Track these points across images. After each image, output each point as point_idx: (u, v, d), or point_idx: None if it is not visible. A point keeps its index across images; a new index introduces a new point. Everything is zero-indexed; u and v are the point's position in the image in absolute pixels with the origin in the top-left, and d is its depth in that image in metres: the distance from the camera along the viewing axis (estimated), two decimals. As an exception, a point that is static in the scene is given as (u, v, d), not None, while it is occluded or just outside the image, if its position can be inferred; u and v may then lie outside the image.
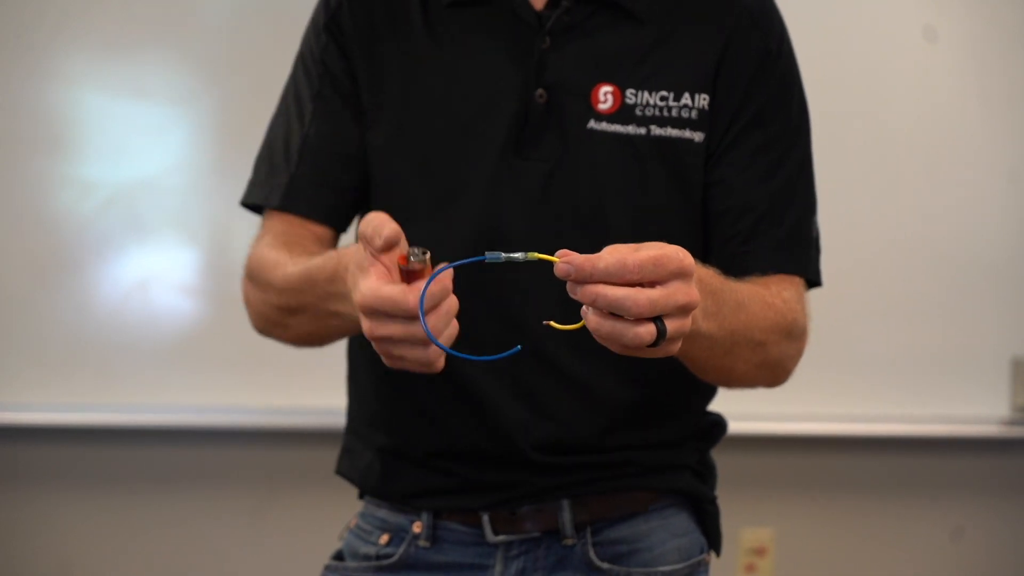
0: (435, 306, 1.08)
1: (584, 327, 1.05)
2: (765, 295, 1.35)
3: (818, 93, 2.68)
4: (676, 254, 1.02)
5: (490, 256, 1.04)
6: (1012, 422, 2.79)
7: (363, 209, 1.52)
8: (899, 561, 2.89)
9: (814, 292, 1.49)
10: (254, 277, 1.46)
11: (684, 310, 1.04)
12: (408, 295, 1.06)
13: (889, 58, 2.78)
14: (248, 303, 1.49)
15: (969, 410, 2.79)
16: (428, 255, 1.08)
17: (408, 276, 1.09)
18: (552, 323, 1.07)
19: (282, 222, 1.48)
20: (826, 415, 2.76)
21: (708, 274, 1.22)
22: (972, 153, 2.78)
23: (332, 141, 1.48)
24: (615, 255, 1.01)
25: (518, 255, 1.04)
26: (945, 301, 2.78)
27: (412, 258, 1.08)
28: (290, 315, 1.41)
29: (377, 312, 1.08)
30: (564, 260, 1.01)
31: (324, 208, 1.48)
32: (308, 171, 1.48)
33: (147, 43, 2.62)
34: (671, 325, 1.04)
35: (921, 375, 2.78)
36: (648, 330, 1.02)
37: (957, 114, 2.78)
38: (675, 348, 1.07)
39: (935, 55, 2.77)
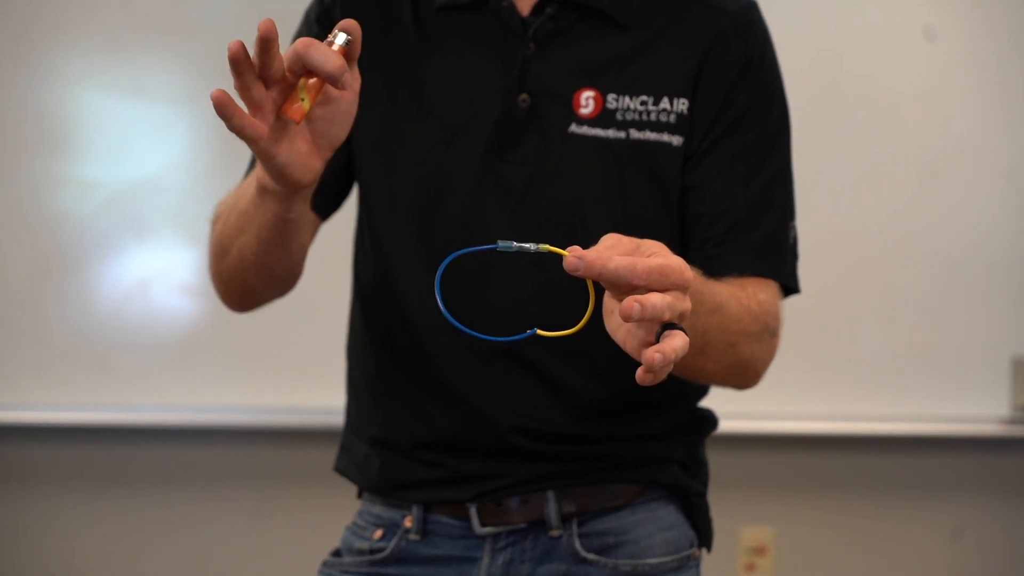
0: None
1: (572, 333, 1.05)
2: (741, 297, 1.36)
3: (817, 93, 2.70)
4: (678, 265, 1.03)
5: (502, 245, 1.04)
6: (1012, 421, 2.79)
7: (344, 198, 1.54)
8: (899, 561, 2.89)
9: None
10: (223, 233, 1.44)
11: (682, 318, 1.05)
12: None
13: (889, 58, 2.78)
14: (213, 278, 1.49)
15: (969, 410, 2.79)
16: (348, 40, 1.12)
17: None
18: (540, 331, 1.06)
19: None
20: (826, 415, 2.77)
21: (692, 277, 1.23)
22: (972, 153, 2.78)
23: None
24: (625, 259, 1.01)
25: (530, 245, 1.04)
26: (945, 301, 2.78)
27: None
28: (238, 235, 1.39)
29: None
30: (575, 255, 1.01)
31: None
32: None
33: (147, 43, 2.62)
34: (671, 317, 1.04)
35: (921, 375, 2.78)
36: (684, 339, 1.02)
37: (957, 114, 2.78)
38: None
39: (935, 55, 2.77)
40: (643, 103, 1.42)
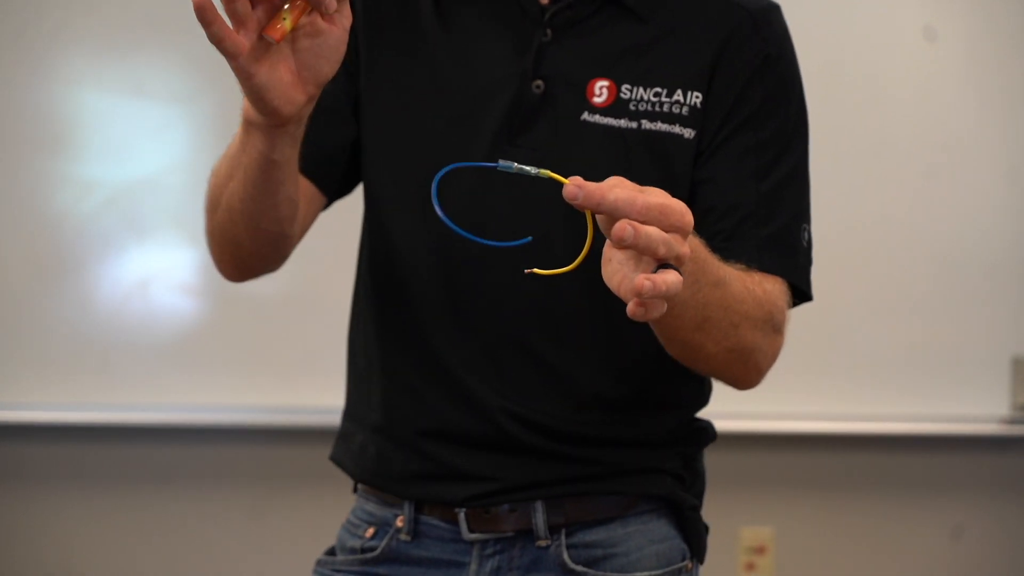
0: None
1: (566, 271, 1.04)
2: (747, 281, 1.34)
3: (818, 93, 2.68)
4: (680, 207, 1.03)
5: (503, 164, 1.03)
6: (1012, 421, 2.79)
7: (353, 182, 1.52)
8: (899, 560, 2.89)
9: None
10: (215, 185, 1.43)
11: (679, 261, 1.04)
12: None
13: (889, 58, 2.78)
14: (207, 239, 1.48)
15: (969, 409, 2.79)
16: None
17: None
18: (536, 270, 1.06)
19: None
20: (826, 415, 2.77)
21: (696, 243, 1.22)
22: (971, 153, 2.78)
23: (324, 96, 1.44)
24: (626, 191, 1.01)
25: (531, 168, 1.03)
26: (945, 300, 2.79)
27: None
28: (227, 183, 1.38)
29: None
30: (575, 184, 1.01)
31: (306, 158, 1.42)
32: None
33: (147, 43, 2.62)
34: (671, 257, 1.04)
35: (921, 374, 2.78)
36: (677, 276, 1.01)
37: (957, 114, 2.78)
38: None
39: (935, 55, 2.77)
40: (657, 95, 1.42)
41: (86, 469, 2.71)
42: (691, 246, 1.14)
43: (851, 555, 2.88)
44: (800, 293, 1.44)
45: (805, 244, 1.45)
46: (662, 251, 1.00)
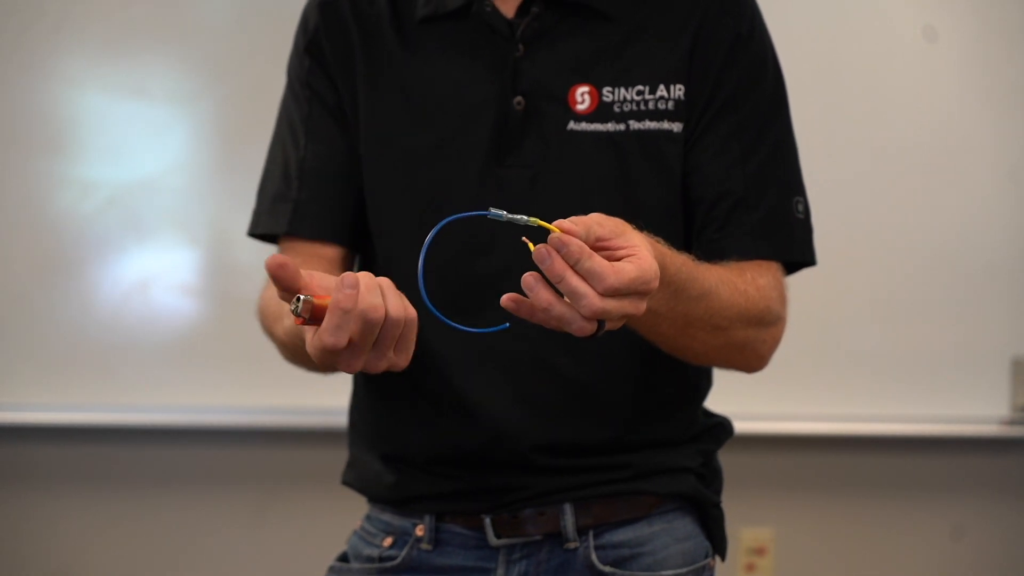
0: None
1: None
2: (737, 282, 1.35)
3: (818, 93, 2.70)
4: (648, 276, 1.05)
5: (493, 212, 1.05)
6: (1012, 422, 2.79)
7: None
8: (899, 561, 2.89)
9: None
10: (263, 322, 1.44)
11: (625, 319, 1.07)
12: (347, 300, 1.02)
13: (889, 58, 2.78)
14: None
15: (969, 410, 2.79)
16: (308, 301, 1.02)
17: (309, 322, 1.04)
18: (527, 240, 1.07)
19: (290, 250, 1.47)
20: (826, 415, 2.77)
21: (676, 264, 1.22)
22: (972, 152, 2.78)
23: (329, 161, 1.48)
24: (607, 267, 1.03)
25: (520, 217, 1.05)
26: (945, 301, 2.78)
27: (293, 307, 1.02)
28: (274, 324, 1.39)
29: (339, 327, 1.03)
30: (563, 239, 1.02)
31: (331, 228, 1.47)
32: (310, 194, 1.47)
33: (147, 43, 2.62)
34: (607, 326, 1.07)
35: (921, 375, 2.78)
36: (592, 327, 1.05)
37: (957, 114, 2.78)
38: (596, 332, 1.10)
39: (935, 55, 2.77)
40: (639, 93, 1.41)
41: (85, 470, 2.71)
42: (671, 271, 1.17)
43: (851, 556, 2.88)
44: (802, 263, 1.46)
45: (800, 216, 1.45)
46: (570, 317, 1.04)
